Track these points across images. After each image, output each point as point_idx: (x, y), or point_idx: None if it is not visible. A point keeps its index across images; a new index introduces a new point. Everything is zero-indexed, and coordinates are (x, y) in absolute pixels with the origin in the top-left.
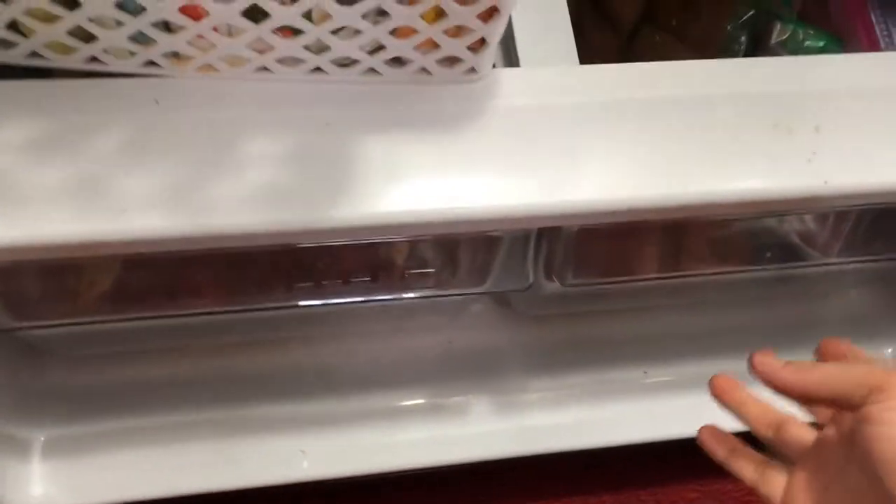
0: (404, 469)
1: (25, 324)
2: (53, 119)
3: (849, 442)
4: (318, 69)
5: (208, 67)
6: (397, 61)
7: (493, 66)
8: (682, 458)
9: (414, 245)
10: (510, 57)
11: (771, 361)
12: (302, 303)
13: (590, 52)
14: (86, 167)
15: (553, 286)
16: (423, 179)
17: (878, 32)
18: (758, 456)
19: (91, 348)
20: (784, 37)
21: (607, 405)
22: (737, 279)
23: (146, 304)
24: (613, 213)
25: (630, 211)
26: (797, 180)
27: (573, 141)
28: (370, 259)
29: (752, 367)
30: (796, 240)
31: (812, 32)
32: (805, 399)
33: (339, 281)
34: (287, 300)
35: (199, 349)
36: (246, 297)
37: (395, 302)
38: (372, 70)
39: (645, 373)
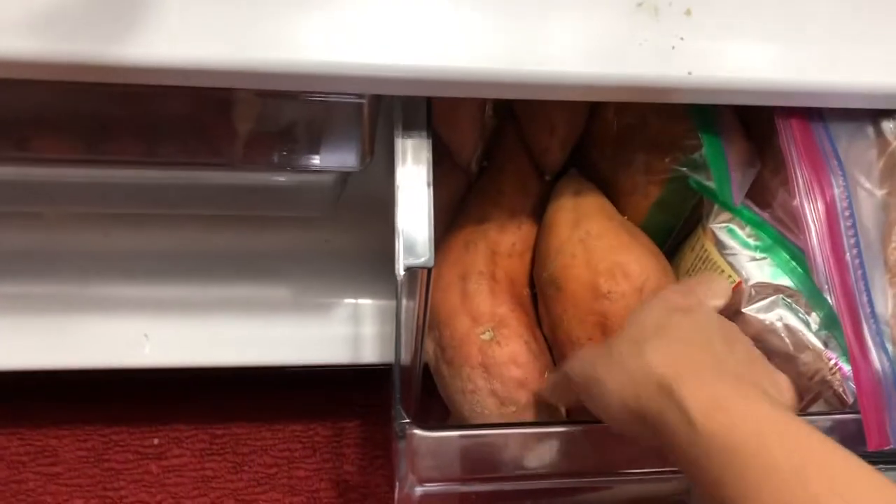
0: (255, 364)
1: None
2: None
3: None
4: None
5: None
6: None
7: None
8: None
9: (243, 106)
10: None
11: None
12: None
13: None
14: None
15: None
16: (226, 21)
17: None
18: None
19: None
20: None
21: None
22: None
23: None
24: (414, 83)
25: (439, 84)
26: (655, 68)
27: None
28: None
29: None
30: None
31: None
32: None
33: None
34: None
35: (44, 218)
36: (89, 147)
37: (242, 178)
38: None
39: None
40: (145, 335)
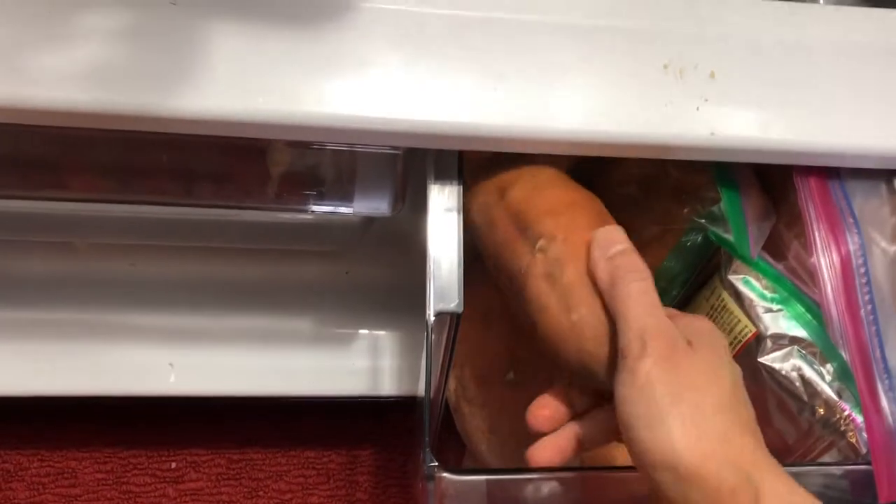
0: (276, 395)
1: None
2: None
3: None
4: None
5: None
6: None
7: None
8: None
9: (279, 152)
10: None
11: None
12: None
13: None
14: None
15: None
16: (270, 77)
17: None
18: None
19: None
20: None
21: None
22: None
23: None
24: (450, 138)
25: (473, 139)
26: (680, 128)
27: (435, 58)
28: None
29: None
30: None
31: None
32: None
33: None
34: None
35: (73, 247)
36: (126, 188)
37: (270, 216)
38: None
39: None
40: (171, 364)
